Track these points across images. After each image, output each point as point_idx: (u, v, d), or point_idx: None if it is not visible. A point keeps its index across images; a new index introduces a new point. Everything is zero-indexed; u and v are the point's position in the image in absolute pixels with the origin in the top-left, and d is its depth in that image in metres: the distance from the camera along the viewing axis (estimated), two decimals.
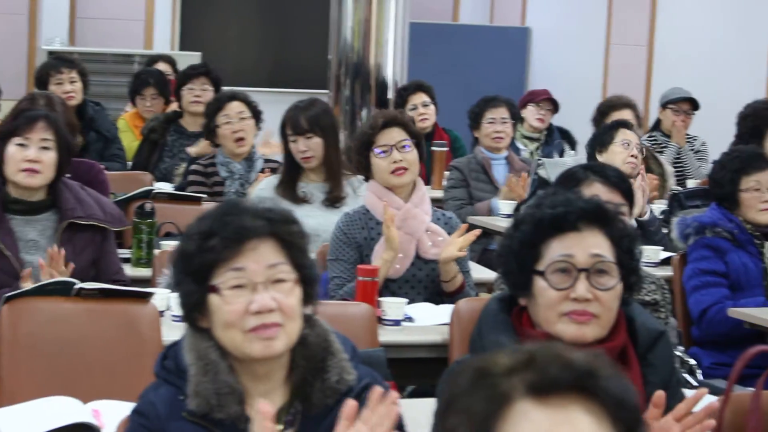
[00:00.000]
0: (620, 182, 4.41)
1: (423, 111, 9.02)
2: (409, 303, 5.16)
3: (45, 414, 3.67)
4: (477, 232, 5.26)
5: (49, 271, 4.74)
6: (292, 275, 3.01)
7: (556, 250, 3.22)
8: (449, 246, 5.23)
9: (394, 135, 5.60)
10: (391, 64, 10.11)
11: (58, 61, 8.84)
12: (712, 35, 11.83)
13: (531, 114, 9.40)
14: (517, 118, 8.81)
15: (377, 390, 2.74)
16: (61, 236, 5.03)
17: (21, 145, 5.01)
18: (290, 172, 6.45)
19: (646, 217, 6.71)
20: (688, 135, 9.33)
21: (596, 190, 4.28)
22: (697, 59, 11.90)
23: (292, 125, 6.40)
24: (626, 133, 7.08)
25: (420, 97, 9.08)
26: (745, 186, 5.77)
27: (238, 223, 2.99)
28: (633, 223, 4.54)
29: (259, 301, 2.94)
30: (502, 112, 8.48)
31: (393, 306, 4.98)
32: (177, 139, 8.56)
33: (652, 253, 6.41)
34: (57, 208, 5.16)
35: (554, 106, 9.55)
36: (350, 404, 2.66)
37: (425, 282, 5.41)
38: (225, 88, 8.39)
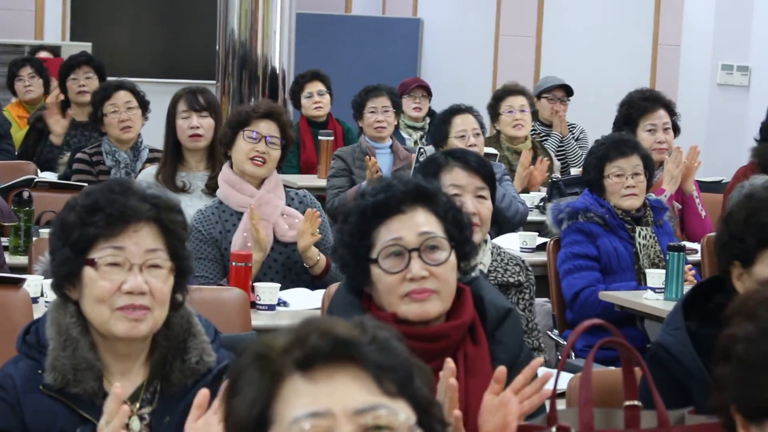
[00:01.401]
0: (480, 167, 4.44)
1: (318, 99, 9.09)
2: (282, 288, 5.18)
3: None
4: (317, 213, 5.37)
5: None
6: (168, 263, 3.04)
7: (385, 235, 3.24)
8: (302, 236, 5.29)
9: (269, 128, 5.69)
10: (278, 54, 10.14)
11: None
12: (600, 26, 11.98)
13: (407, 104, 9.46)
14: (399, 107, 8.84)
15: None
16: None
17: None
18: (171, 159, 6.47)
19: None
20: (569, 123, 9.42)
21: (456, 175, 4.34)
22: (584, 50, 12.05)
23: (189, 102, 6.45)
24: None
25: (316, 86, 9.15)
26: (608, 172, 5.86)
27: (124, 202, 3.00)
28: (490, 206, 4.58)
29: (132, 282, 2.96)
30: (383, 101, 8.54)
31: (267, 291, 5.01)
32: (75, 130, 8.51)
33: (528, 238, 6.53)
34: None
35: (428, 93, 9.61)
36: (202, 393, 2.65)
37: (288, 265, 5.46)
38: (111, 78, 8.29)
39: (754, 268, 3.37)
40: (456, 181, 4.32)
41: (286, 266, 5.46)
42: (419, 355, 3.12)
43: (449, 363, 2.87)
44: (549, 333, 5.67)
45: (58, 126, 8.21)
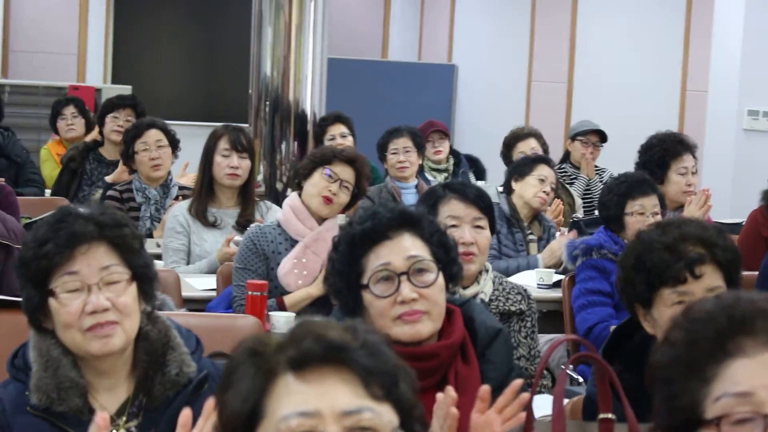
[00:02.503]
0: (478, 199, 4.47)
1: (341, 142, 8.97)
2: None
3: None
4: None
5: None
6: (125, 275, 3.06)
7: (374, 261, 3.28)
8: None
9: (347, 173, 5.75)
10: (309, 98, 10.18)
11: None
12: (629, 72, 11.97)
13: (428, 149, 9.39)
14: (421, 147, 8.83)
15: None
16: None
17: None
18: (204, 194, 6.51)
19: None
20: (597, 167, 9.37)
21: (453, 206, 4.39)
22: (614, 95, 12.04)
23: (231, 141, 6.46)
24: (544, 169, 7.22)
25: (339, 128, 9.13)
26: (630, 210, 5.85)
27: (69, 229, 3.02)
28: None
29: (93, 302, 2.99)
30: (404, 142, 8.57)
31: (281, 320, 4.98)
32: (96, 167, 8.55)
33: (545, 275, 6.50)
34: None
35: (445, 134, 9.59)
36: (185, 414, 2.63)
37: (325, 300, 5.45)
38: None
39: (653, 309, 3.44)
40: (453, 212, 4.37)
41: (321, 302, 5.46)
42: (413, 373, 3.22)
43: (450, 391, 2.88)
44: (563, 366, 5.67)
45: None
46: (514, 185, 7.14)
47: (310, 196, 5.63)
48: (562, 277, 6.28)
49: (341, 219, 5.72)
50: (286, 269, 5.37)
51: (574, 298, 5.86)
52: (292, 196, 5.75)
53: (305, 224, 5.56)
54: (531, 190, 7.07)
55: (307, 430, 1.95)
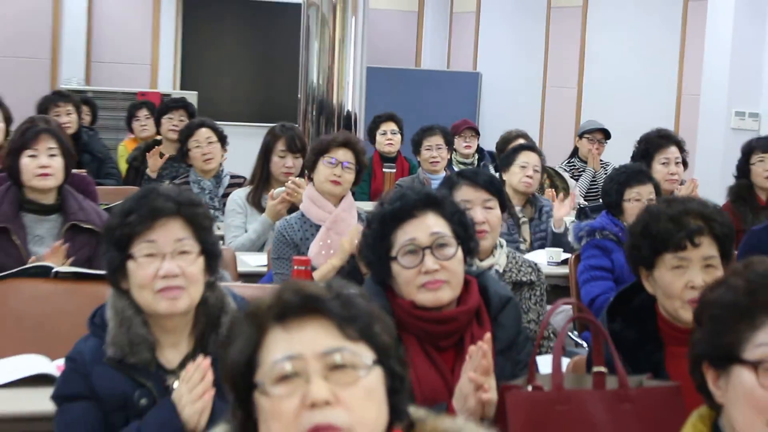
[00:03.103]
0: (488, 184, 4.47)
1: (391, 137, 9.10)
2: None
3: (19, 365, 3.77)
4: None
5: (51, 261, 4.72)
6: (195, 248, 3.13)
7: (402, 236, 3.30)
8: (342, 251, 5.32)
9: (346, 155, 5.78)
10: (350, 102, 10.21)
11: (56, 95, 8.92)
12: (632, 78, 11.88)
13: (458, 143, 9.43)
14: (451, 144, 8.87)
15: None
16: (64, 235, 5.04)
17: (32, 156, 5.06)
18: (261, 185, 6.60)
19: (562, 230, 6.81)
20: (602, 161, 9.36)
21: (465, 191, 4.40)
22: (618, 98, 11.95)
23: (288, 144, 6.57)
24: (526, 156, 7.13)
25: (390, 125, 9.16)
26: (628, 197, 5.86)
27: (152, 204, 3.11)
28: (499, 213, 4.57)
29: (166, 268, 3.07)
30: (437, 140, 8.62)
31: None
32: (168, 165, 8.45)
33: (554, 254, 6.52)
34: (63, 212, 5.17)
35: (476, 133, 9.59)
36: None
37: (353, 273, 5.44)
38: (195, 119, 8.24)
39: (655, 271, 3.44)
40: (464, 196, 4.37)
41: (351, 274, 5.48)
42: (434, 335, 3.28)
43: (482, 345, 2.94)
44: (569, 333, 5.70)
45: (154, 163, 8.34)
46: (504, 176, 7.10)
47: (321, 183, 5.68)
48: (569, 255, 6.29)
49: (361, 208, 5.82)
50: (315, 251, 5.38)
51: (579, 273, 5.87)
52: (308, 188, 5.78)
53: (324, 209, 5.59)
54: (516, 176, 7.02)
55: (295, 371, 1.96)
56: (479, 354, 2.91)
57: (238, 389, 2.02)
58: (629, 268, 3.62)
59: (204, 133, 7.40)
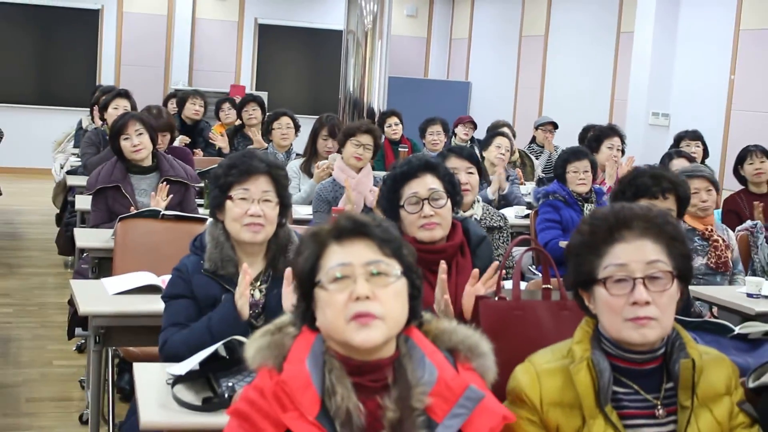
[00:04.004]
0: (469, 156, 4.46)
1: (395, 128, 9.06)
2: None
3: (134, 279, 3.82)
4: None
5: (157, 199, 4.86)
6: (275, 199, 3.14)
7: (408, 191, 3.30)
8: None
9: (367, 139, 5.78)
10: (377, 101, 10.24)
11: (194, 91, 9.33)
12: (579, 85, 11.87)
13: (460, 131, 9.42)
14: (448, 131, 8.89)
15: None
16: (161, 188, 5.05)
17: (126, 138, 5.15)
18: (310, 159, 6.61)
19: (506, 191, 6.83)
20: (555, 146, 9.33)
21: (453, 161, 4.37)
22: (568, 99, 11.94)
23: (329, 130, 6.64)
24: (499, 139, 7.30)
25: (393, 119, 9.12)
26: (570, 169, 5.84)
27: (249, 162, 3.13)
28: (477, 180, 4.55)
29: (253, 209, 3.08)
30: (437, 128, 8.65)
31: None
32: (241, 142, 8.65)
33: (519, 210, 6.56)
34: (159, 170, 5.25)
35: (474, 125, 9.60)
36: (288, 271, 2.73)
37: None
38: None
39: None
40: (452, 165, 4.35)
41: None
42: (429, 261, 3.26)
43: (442, 264, 2.93)
44: (530, 267, 5.69)
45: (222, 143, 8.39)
46: (484, 153, 7.22)
47: (348, 158, 5.73)
48: (530, 211, 6.29)
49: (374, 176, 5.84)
50: (341, 207, 5.37)
51: (536, 224, 5.87)
52: (338, 161, 5.80)
53: (349, 176, 5.62)
54: (492, 153, 7.17)
55: (345, 274, 1.98)
56: (442, 272, 2.91)
57: (303, 286, 2.04)
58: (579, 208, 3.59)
59: (285, 120, 7.46)
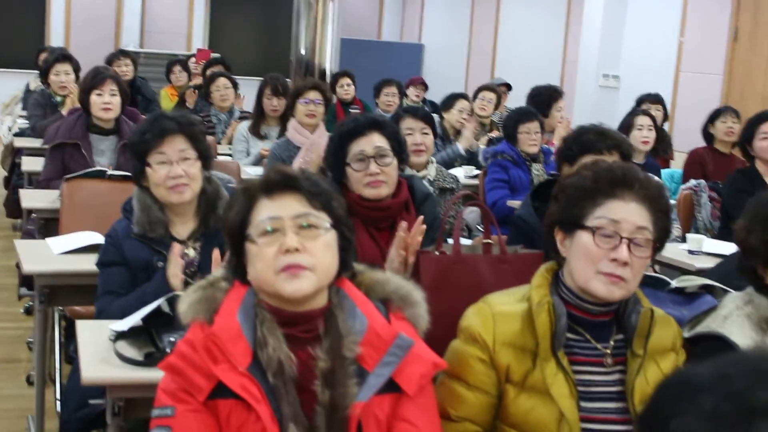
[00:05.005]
0: (424, 117, 4.46)
1: (347, 89, 9.04)
2: None
3: (81, 239, 3.80)
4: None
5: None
6: (194, 155, 3.12)
7: (354, 149, 3.23)
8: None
9: (315, 95, 5.77)
10: (328, 63, 10.21)
11: (119, 52, 9.02)
12: (530, 48, 11.93)
13: (411, 92, 9.39)
14: (402, 93, 8.90)
15: None
16: (119, 150, 5.05)
17: (99, 94, 5.09)
18: (258, 119, 6.56)
19: (474, 149, 6.87)
20: (507, 108, 9.35)
21: (408, 121, 4.38)
22: (521, 62, 12.00)
23: (273, 88, 6.52)
24: (461, 103, 7.38)
25: (346, 80, 9.09)
26: (521, 130, 5.86)
27: (160, 125, 3.10)
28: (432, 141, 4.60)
29: (174, 171, 3.07)
30: (393, 90, 8.64)
31: None
32: (199, 101, 8.41)
33: (469, 170, 6.60)
34: (119, 134, 5.18)
35: (425, 87, 9.54)
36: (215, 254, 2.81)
37: None
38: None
39: (574, 166, 3.44)
40: (408, 125, 4.37)
41: None
42: (375, 219, 3.26)
43: (403, 223, 2.90)
44: (478, 225, 5.72)
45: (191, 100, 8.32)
46: (444, 115, 7.31)
47: (300, 117, 5.72)
48: (479, 171, 6.32)
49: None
50: (297, 165, 5.34)
51: (485, 184, 5.88)
52: (292, 120, 5.79)
53: (303, 135, 5.61)
54: (454, 116, 7.25)
55: (274, 227, 1.99)
56: (401, 229, 2.92)
57: (234, 241, 2.04)
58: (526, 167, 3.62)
59: (222, 82, 7.45)
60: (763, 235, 2.35)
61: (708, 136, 6.59)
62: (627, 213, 2.14)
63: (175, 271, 2.92)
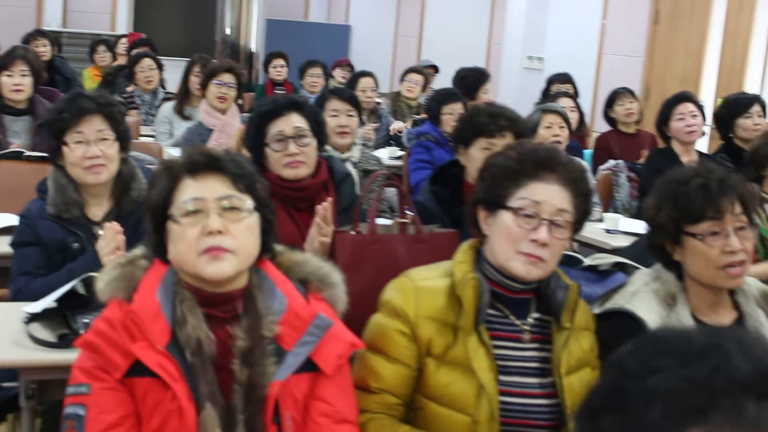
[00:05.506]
0: (350, 99, 4.47)
1: (280, 70, 9.01)
2: None
3: None
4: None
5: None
6: (112, 136, 3.08)
7: (273, 129, 3.24)
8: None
9: (228, 77, 5.72)
10: (254, 43, 10.14)
11: (36, 32, 8.81)
12: (456, 30, 11.98)
13: (338, 74, 9.40)
14: (328, 75, 8.88)
15: None
16: (34, 130, 4.98)
17: (9, 75, 5.00)
18: (183, 100, 6.52)
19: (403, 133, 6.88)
20: (434, 89, 9.38)
21: (334, 103, 4.38)
22: (446, 44, 12.04)
23: (201, 68, 6.48)
24: (365, 82, 7.44)
25: (280, 61, 9.07)
26: (444, 111, 5.88)
27: (78, 104, 3.06)
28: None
29: (91, 151, 3.04)
30: (317, 71, 8.61)
31: None
32: (123, 82, 8.28)
33: (392, 151, 6.64)
34: (33, 114, 5.10)
35: (351, 68, 9.55)
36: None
37: None
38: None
39: (469, 149, 3.53)
40: (333, 107, 4.36)
41: None
42: (294, 199, 3.26)
43: (325, 204, 2.91)
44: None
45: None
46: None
47: (211, 99, 5.68)
48: (403, 153, 6.33)
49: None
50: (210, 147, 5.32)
51: (409, 165, 5.90)
52: (203, 103, 5.74)
53: (215, 118, 5.58)
54: (360, 95, 7.15)
55: (197, 208, 1.99)
56: (322, 210, 2.93)
57: (155, 219, 2.02)
58: (450, 148, 3.68)
59: (147, 62, 7.36)
60: (671, 212, 2.40)
61: (610, 120, 6.69)
62: (549, 195, 2.18)
63: (112, 249, 2.88)
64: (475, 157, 3.46)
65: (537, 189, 2.18)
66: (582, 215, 2.25)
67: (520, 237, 2.17)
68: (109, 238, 2.89)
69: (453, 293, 2.19)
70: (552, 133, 5.01)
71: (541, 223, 2.16)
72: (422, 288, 2.21)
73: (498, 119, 3.50)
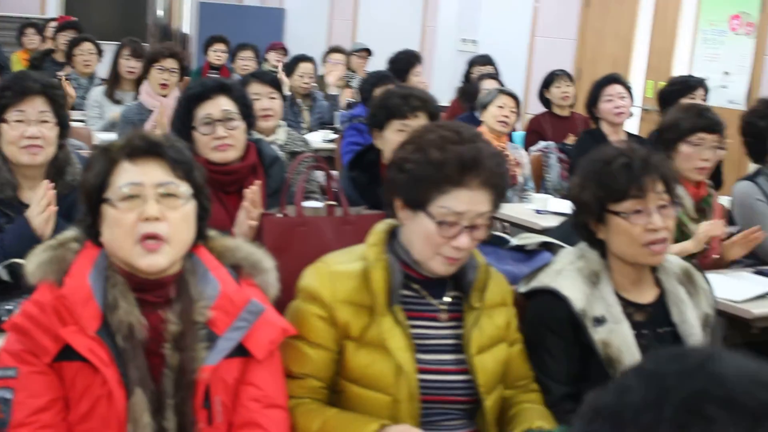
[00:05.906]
0: (272, 81, 4.45)
1: (220, 54, 8.95)
2: None
3: None
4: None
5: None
6: (53, 119, 3.05)
7: (201, 112, 3.25)
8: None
9: (171, 63, 5.67)
10: (188, 26, 10.05)
11: None
12: (392, 12, 11.95)
13: (272, 57, 9.34)
14: (259, 57, 8.83)
15: None
16: None
17: None
18: (113, 84, 6.42)
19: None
20: (367, 72, 9.38)
21: (255, 86, 4.35)
22: (382, 26, 11.97)
23: (132, 51, 6.40)
24: (303, 67, 7.39)
25: (220, 46, 9.01)
26: (376, 93, 5.88)
27: (23, 83, 3.03)
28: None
29: (30, 131, 3.00)
30: (249, 54, 8.57)
31: None
32: (50, 66, 8.23)
33: (327, 134, 6.63)
34: None
35: (285, 51, 9.51)
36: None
37: None
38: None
39: (384, 132, 3.55)
40: (255, 90, 4.34)
41: None
42: (222, 183, 3.25)
43: (253, 188, 2.91)
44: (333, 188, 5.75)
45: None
46: (289, 80, 7.30)
47: (154, 83, 5.63)
48: (336, 135, 6.33)
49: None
50: (148, 128, 5.26)
51: (342, 147, 5.83)
52: (144, 84, 5.72)
53: (155, 99, 5.54)
54: (296, 81, 7.26)
55: (135, 193, 1.97)
56: (250, 194, 2.92)
57: (90, 202, 2.00)
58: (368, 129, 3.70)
59: (87, 47, 7.30)
60: (595, 191, 2.43)
61: (545, 101, 6.75)
62: (470, 203, 2.13)
63: (38, 209, 2.85)
64: (390, 139, 3.47)
65: (459, 197, 2.13)
66: (498, 206, 2.23)
67: (441, 243, 2.16)
68: (41, 196, 2.87)
69: (366, 276, 2.20)
70: (502, 113, 5.05)
71: (461, 231, 2.14)
72: (336, 272, 2.21)
73: (410, 100, 3.52)
